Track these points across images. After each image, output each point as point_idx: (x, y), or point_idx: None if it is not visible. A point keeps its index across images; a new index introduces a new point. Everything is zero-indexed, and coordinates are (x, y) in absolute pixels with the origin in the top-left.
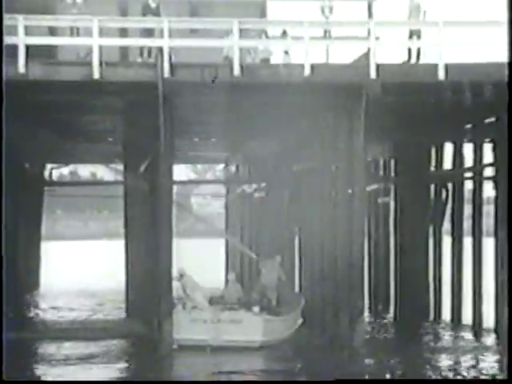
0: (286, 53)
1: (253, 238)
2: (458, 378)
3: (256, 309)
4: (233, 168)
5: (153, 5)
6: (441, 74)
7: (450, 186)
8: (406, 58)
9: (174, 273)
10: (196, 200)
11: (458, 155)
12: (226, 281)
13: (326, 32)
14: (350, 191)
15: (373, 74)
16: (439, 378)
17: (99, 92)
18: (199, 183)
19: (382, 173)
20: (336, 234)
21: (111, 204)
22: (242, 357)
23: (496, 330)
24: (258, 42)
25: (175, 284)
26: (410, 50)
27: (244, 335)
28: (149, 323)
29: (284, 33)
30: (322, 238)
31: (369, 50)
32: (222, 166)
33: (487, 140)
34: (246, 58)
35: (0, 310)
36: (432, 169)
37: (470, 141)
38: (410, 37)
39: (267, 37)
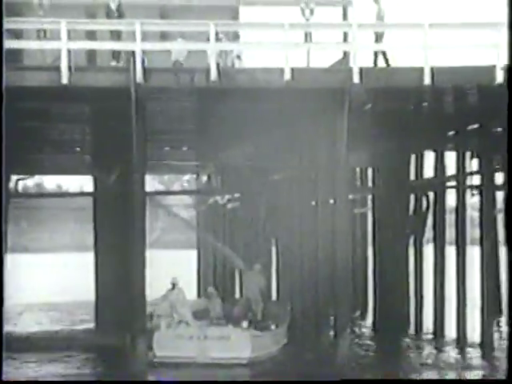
0: (238, 57)
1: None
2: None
3: (245, 324)
4: (204, 178)
5: (112, 6)
6: (426, 79)
7: (431, 195)
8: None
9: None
10: (162, 211)
11: (439, 163)
12: (205, 294)
13: (306, 35)
14: (331, 201)
15: (356, 79)
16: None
17: (67, 98)
18: (173, 194)
19: (358, 182)
20: (317, 246)
21: (77, 216)
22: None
23: (481, 345)
24: (235, 45)
25: (153, 298)
26: (376, 54)
27: (232, 352)
28: (120, 338)
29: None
30: (302, 250)
31: (346, 54)
32: (188, 176)
33: (470, 148)
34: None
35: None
36: (412, 178)
37: (452, 148)
38: (376, 40)
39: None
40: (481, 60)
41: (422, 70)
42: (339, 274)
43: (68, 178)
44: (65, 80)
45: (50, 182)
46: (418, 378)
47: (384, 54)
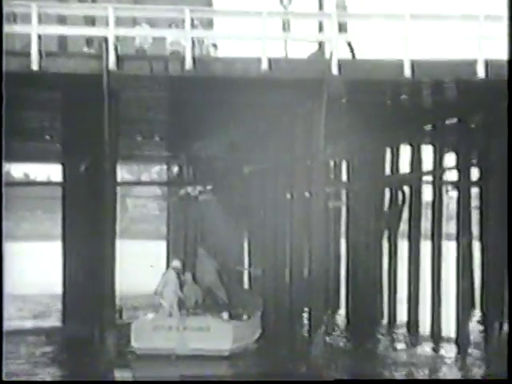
0: (214, 46)
1: (198, 241)
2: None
3: (225, 315)
4: (175, 169)
5: None
6: (407, 72)
7: (406, 189)
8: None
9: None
10: (131, 201)
11: (415, 158)
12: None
13: (284, 24)
14: (307, 194)
15: (335, 70)
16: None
17: (37, 85)
18: (144, 184)
19: (332, 176)
20: (291, 239)
21: (44, 204)
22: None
23: (457, 341)
24: (210, 32)
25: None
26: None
27: (213, 343)
28: (89, 331)
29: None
30: (276, 243)
31: (322, 45)
32: (158, 167)
33: (447, 142)
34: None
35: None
36: (388, 172)
37: (429, 143)
38: (340, 31)
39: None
40: (462, 54)
41: (402, 62)
42: (314, 269)
43: (35, 167)
44: (35, 66)
45: (17, 170)
46: (417, 378)
47: (349, 44)
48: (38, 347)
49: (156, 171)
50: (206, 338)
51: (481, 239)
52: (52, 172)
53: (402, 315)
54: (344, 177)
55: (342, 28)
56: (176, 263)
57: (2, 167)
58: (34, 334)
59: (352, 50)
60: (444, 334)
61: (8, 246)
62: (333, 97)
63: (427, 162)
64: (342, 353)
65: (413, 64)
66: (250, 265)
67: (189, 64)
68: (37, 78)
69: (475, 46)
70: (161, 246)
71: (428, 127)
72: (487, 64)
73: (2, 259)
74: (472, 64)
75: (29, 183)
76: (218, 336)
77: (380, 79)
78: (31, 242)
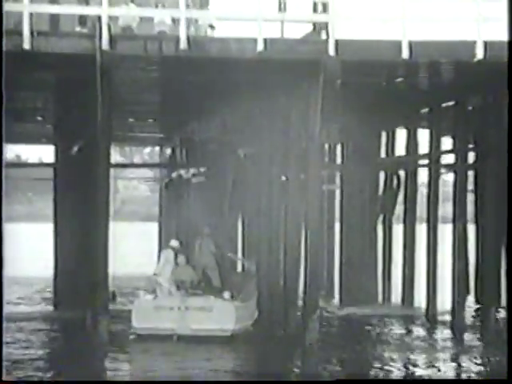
0: (211, 27)
1: (191, 223)
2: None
3: (227, 295)
4: (168, 151)
5: None
6: (404, 53)
7: (402, 173)
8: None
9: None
10: (122, 183)
11: (412, 141)
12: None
13: (280, 4)
14: (302, 176)
15: (331, 51)
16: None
17: (29, 65)
18: (137, 167)
19: (327, 159)
20: (286, 222)
21: (36, 186)
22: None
23: (452, 324)
24: (205, 13)
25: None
26: (314, 26)
27: (215, 323)
28: (81, 315)
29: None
30: (270, 226)
31: (316, 26)
32: (149, 149)
33: (444, 126)
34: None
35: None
36: (382, 155)
37: (425, 126)
38: (314, 10)
39: None
40: (461, 35)
41: (399, 43)
42: (309, 253)
43: (27, 148)
44: (27, 45)
45: (9, 151)
46: (417, 378)
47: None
48: (28, 333)
49: (147, 153)
50: (208, 318)
51: (476, 222)
52: (44, 153)
53: (397, 299)
54: (338, 160)
55: (324, 8)
56: (174, 243)
57: (2, 149)
58: (25, 319)
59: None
60: (439, 318)
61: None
62: (329, 78)
63: (423, 146)
64: (336, 339)
65: (411, 45)
66: (243, 249)
67: (183, 44)
68: (28, 58)
69: (474, 26)
70: (153, 228)
71: (424, 110)
72: (486, 45)
73: (2, 260)
74: (471, 45)
75: (20, 164)
76: (220, 316)
77: (377, 60)
78: (23, 223)
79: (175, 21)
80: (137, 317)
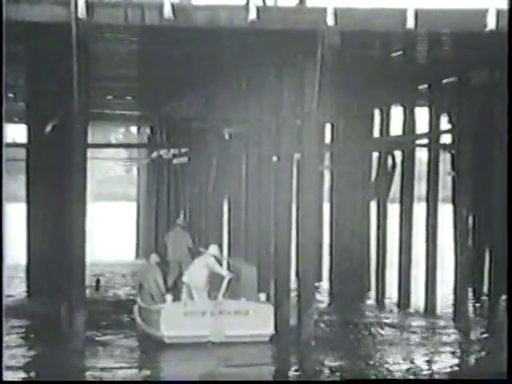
0: None
1: (171, 207)
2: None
3: (262, 296)
4: (147, 130)
5: None
6: (410, 22)
7: (397, 153)
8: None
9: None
10: (97, 163)
11: (409, 120)
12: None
13: None
14: (296, 156)
15: (330, 20)
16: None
17: None
18: (115, 147)
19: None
20: (278, 206)
21: (9, 166)
22: None
23: (454, 317)
24: None
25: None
26: None
27: (252, 328)
28: (56, 309)
29: None
30: (260, 212)
31: None
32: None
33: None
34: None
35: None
36: (376, 135)
37: (424, 104)
38: None
39: None
40: (471, 3)
41: (404, 12)
42: (304, 239)
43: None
44: None
45: None
46: (417, 378)
47: None
48: None
49: (122, 132)
50: (244, 323)
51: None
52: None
53: (392, 289)
54: (327, 139)
55: None
56: (180, 220)
57: (2, 130)
58: None
59: None
60: (439, 311)
61: None
62: (327, 50)
63: (421, 125)
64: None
65: (416, 13)
66: (229, 237)
67: (168, 12)
68: None
69: None
70: (129, 208)
71: (423, 86)
72: (498, 14)
73: (2, 259)
74: (482, 14)
75: None
76: (257, 320)
77: (379, 31)
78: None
79: None
80: (166, 323)
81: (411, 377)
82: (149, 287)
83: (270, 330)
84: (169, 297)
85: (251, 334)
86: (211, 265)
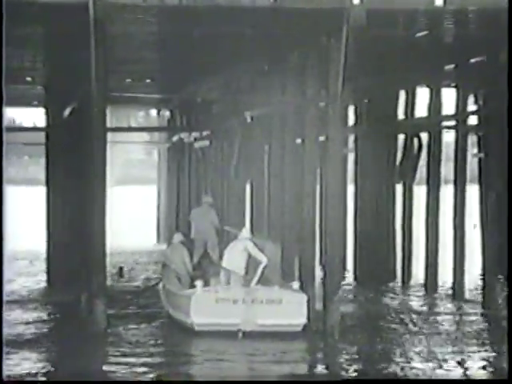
0: None
1: (192, 191)
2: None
3: (295, 284)
4: (167, 113)
5: None
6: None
7: (424, 136)
8: None
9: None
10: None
11: (435, 101)
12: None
13: None
14: (321, 138)
15: None
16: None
17: (12, 16)
18: (135, 130)
19: None
20: (303, 189)
21: (31, 150)
22: None
23: (483, 304)
24: None
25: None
26: None
27: (285, 318)
28: (75, 296)
29: None
30: (284, 195)
31: None
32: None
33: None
34: None
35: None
36: (401, 117)
37: (449, 85)
38: None
39: None
40: None
41: None
42: (328, 224)
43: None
44: None
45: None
46: (417, 378)
47: None
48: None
49: (142, 116)
50: (276, 312)
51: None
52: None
53: (419, 274)
54: (351, 121)
55: None
56: (207, 198)
57: (2, 112)
58: (15, 302)
59: None
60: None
61: None
62: (354, 31)
63: (447, 106)
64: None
65: None
66: (251, 221)
67: None
68: (11, 8)
69: None
70: (150, 192)
71: (449, 67)
72: None
73: (2, 257)
74: None
75: (10, 129)
76: (290, 309)
77: (405, 8)
78: (17, 186)
79: None
80: (196, 311)
81: None
82: (176, 267)
83: (302, 319)
84: (199, 282)
85: (283, 324)
86: (250, 249)
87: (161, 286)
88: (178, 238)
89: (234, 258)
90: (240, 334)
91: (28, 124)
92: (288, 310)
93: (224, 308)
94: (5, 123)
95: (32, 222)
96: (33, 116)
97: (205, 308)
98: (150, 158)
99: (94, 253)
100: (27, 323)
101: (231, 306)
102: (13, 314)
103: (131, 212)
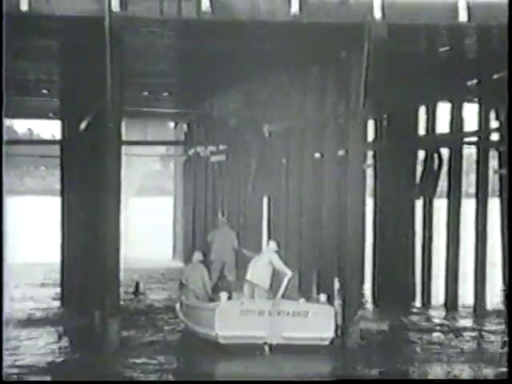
0: None
1: (209, 206)
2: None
3: (323, 297)
4: (184, 127)
5: None
6: (462, 15)
7: (445, 152)
8: None
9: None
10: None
11: (456, 116)
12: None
13: None
14: (340, 152)
15: (377, 14)
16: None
17: (28, 29)
18: (152, 144)
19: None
20: (321, 206)
21: (48, 161)
22: None
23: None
24: None
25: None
26: None
27: (311, 331)
28: (89, 315)
29: None
30: (301, 210)
31: None
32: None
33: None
34: None
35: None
36: (422, 132)
37: (472, 100)
38: None
39: None
40: None
41: (456, 4)
42: (348, 243)
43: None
44: (24, 6)
45: (20, 126)
46: (417, 378)
47: None
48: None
49: (158, 128)
50: (303, 325)
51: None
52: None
53: (439, 292)
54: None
55: None
56: (225, 218)
57: (2, 124)
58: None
59: None
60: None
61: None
62: (376, 46)
63: (468, 122)
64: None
65: (469, 6)
66: (268, 237)
67: (205, 5)
68: (27, 22)
69: None
70: (167, 204)
71: (472, 82)
72: None
73: (2, 259)
74: None
75: (26, 142)
76: (317, 322)
77: (430, 24)
78: (34, 196)
79: None
80: (220, 323)
81: None
82: (195, 287)
83: (330, 333)
84: (223, 294)
85: (310, 337)
86: (275, 262)
87: (178, 304)
88: (197, 256)
89: (259, 271)
90: (267, 349)
91: (45, 136)
92: (315, 323)
93: (249, 320)
94: (5, 136)
95: (47, 232)
96: (50, 128)
97: (230, 320)
98: (167, 171)
99: (107, 271)
100: None
101: (257, 318)
102: None
103: (148, 224)
